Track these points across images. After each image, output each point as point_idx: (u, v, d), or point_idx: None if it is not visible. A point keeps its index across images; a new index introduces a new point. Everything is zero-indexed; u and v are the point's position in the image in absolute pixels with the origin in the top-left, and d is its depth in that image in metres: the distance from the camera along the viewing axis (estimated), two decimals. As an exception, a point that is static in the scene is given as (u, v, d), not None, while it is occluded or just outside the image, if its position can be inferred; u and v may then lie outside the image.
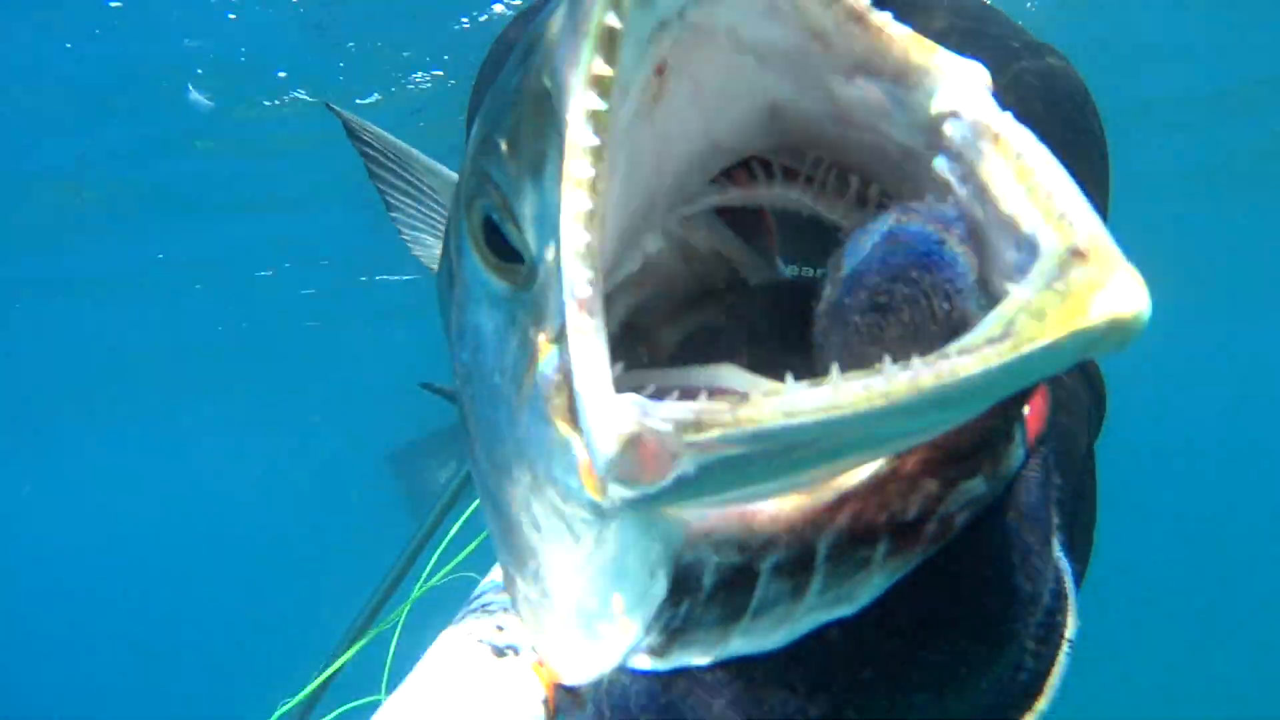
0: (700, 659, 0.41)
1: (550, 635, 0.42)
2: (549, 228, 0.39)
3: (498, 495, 0.46)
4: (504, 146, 0.41)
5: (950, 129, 0.39)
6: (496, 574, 0.59)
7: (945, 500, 0.39)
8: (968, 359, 0.31)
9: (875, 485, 0.38)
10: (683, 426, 0.32)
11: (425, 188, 1.12)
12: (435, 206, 1.12)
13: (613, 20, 0.35)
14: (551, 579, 0.42)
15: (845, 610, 0.39)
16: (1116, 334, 0.30)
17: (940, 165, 0.40)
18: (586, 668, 0.42)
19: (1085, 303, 0.30)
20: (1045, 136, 0.40)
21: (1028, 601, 0.46)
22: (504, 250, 0.43)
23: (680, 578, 0.38)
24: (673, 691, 0.42)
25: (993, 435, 0.40)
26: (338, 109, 1.25)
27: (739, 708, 0.41)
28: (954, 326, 0.37)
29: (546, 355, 0.40)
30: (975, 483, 0.39)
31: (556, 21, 0.39)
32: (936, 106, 0.40)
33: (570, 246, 0.35)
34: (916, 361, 0.32)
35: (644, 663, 0.41)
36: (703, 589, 0.39)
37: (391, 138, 1.17)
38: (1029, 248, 0.35)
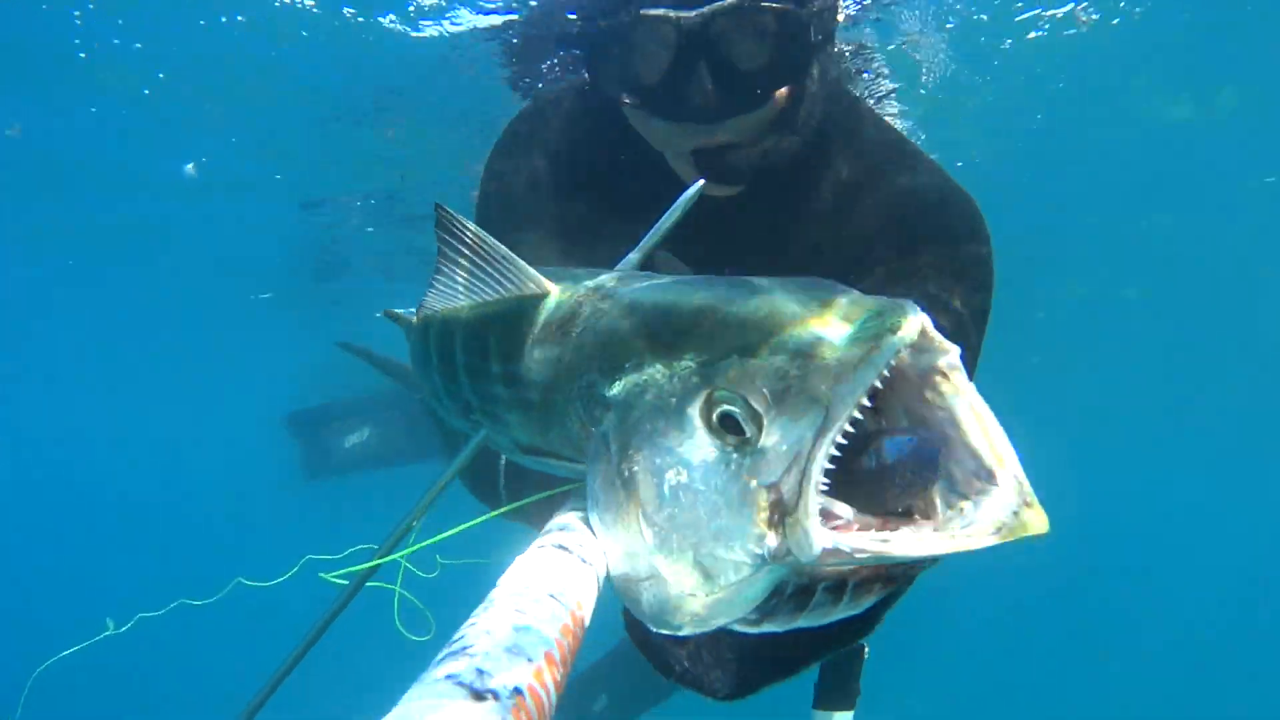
0: (772, 629, 0.76)
1: (694, 615, 0.76)
2: (790, 443, 0.71)
3: (670, 533, 0.76)
4: (769, 392, 0.73)
5: (943, 384, 0.74)
6: (481, 620, 0.58)
7: (905, 577, 0.77)
8: (979, 537, 0.69)
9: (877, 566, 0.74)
10: (855, 549, 0.67)
11: (494, 270, 1.06)
12: (489, 277, 1.06)
13: (882, 373, 0.69)
14: (705, 585, 0.75)
15: (856, 610, 0.76)
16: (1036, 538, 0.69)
17: (931, 398, 0.75)
18: (711, 625, 0.75)
19: (1035, 522, 0.69)
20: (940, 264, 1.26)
21: (865, 632, 1.03)
22: (726, 425, 0.75)
23: (778, 589, 0.74)
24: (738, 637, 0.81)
25: (924, 565, 0.75)
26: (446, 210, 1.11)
27: (773, 640, 0.80)
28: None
29: (758, 484, 0.72)
30: (914, 574, 0.80)
31: (848, 352, 0.71)
32: (939, 364, 0.74)
33: (818, 467, 0.69)
34: (954, 528, 0.70)
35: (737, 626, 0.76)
36: (786, 593, 0.74)
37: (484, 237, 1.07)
38: (986, 473, 0.72)
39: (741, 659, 0.87)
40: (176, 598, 1.56)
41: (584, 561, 0.78)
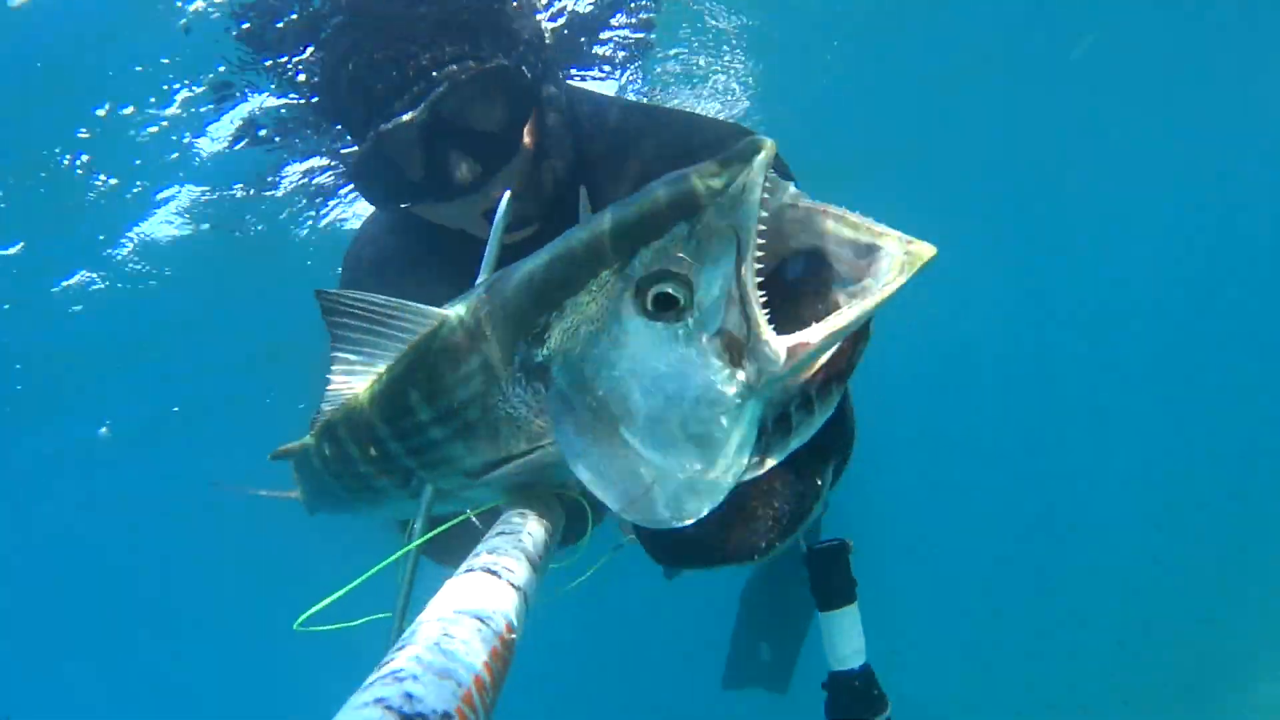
0: (776, 460, 0.83)
1: (705, 492, 0.81)
2: (719, 284, 0.78)
3: (655, 430, 0.81)
4: (686, 255, 0.79)
5: (798, 211, 0.82)
6: (410, 645, 0.58)
7: (856, 356, 0.82)
8: (893, 279, 0.76)
9: (830, 360, 0.80)
10: (806, 340, 0.76)
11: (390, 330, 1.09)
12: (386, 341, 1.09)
13: (763, 209, 0.78)
14: (704, 456, 0.80)
15: (829, 412, 0.83)
16: (933, 261, 0.75)
17: (794, 228, 0.82)
18: (725, 490, 0.81)
19: (925, 250, 0.75)
20: None
21: (849, 433, 1.04)
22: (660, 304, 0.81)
23: (762, 426, 0.80)
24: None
25: (860, 343, 0.82)
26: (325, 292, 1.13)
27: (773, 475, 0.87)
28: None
29: (709, 338, 0.79)
30: (864, 346, 0.82)
31: (730, 198, 0.78)
32: (785, 199, 0.82)
33: (751, 287, 0.76)
34: (871, 284, 0.77)
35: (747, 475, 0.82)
36: (770, 427, 0.81)
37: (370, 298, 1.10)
38: (866, 249, 0.78)
39: (767, 503, 0.91)
40: None
41: (511, 585, 0.78)
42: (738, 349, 0.77)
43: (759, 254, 0.78)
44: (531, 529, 0.95)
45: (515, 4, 1.68)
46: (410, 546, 1.07)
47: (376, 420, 1.14)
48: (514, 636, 0.71)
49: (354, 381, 1.16)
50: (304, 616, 0.94)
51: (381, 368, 1.11)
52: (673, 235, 0.80)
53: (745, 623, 4.33)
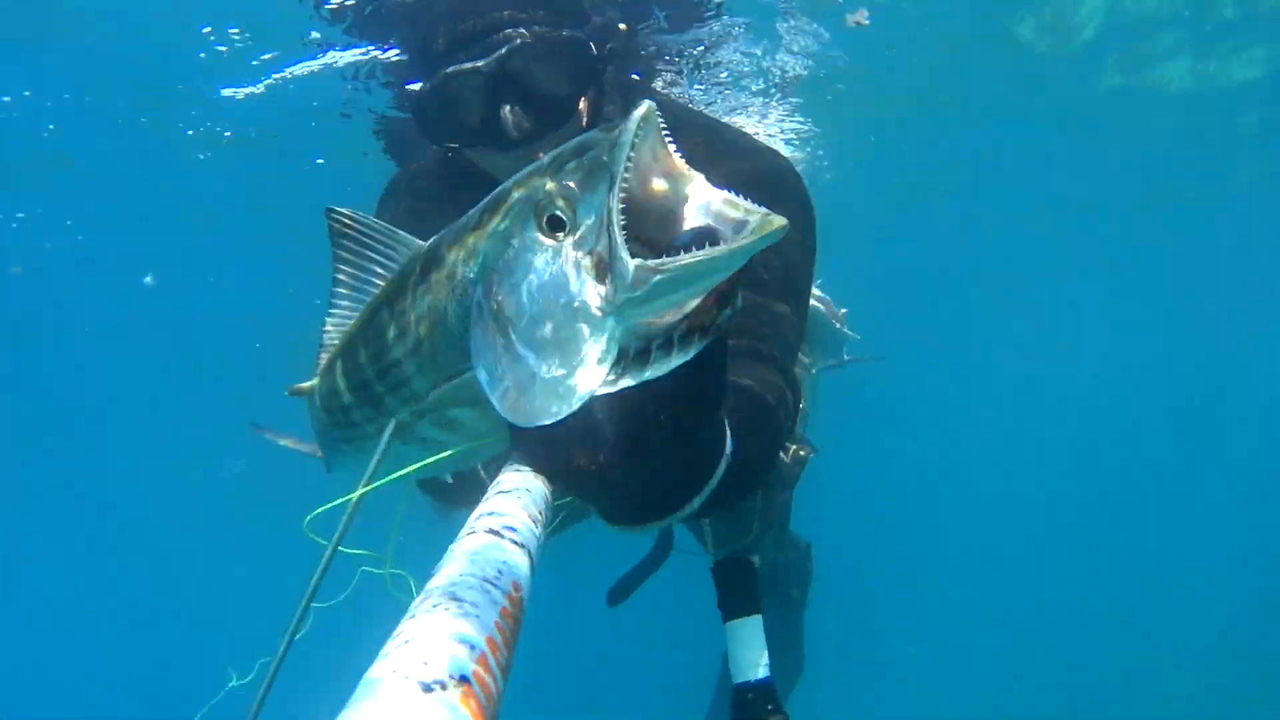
0: (628, 382, 0.88)
1: (565, 393, 0.87)
2: (594, 211, 0.88)
3: (533, 331, 0.90)
4: (573, 184, 0.91)
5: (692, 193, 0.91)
6: (420, 612, 0.58)
7: (719, 316, 0.88)
8: (745, 240, 0.82)
9: (697, 308, 0.86)
10: (660, 265, 0.81)
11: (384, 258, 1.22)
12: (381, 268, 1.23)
13: (629, 158, 0.86)
14: (568, 361, 0.88)
15: (686, 357, 0.88)
16: (781, 230, 0.82)
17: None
18: (582, 395, 0.86)
19: (779, 220, 0.82)
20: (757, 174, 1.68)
21: (723, 387, 1.03)
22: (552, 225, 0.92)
23: (623, 351, 0.86)
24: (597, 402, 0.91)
25: (734, 289, 0.88)
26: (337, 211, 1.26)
27: (628, 397, 0.91)
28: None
29: (584, 255, 0.89)
30: (729, 311, 0.89)
31: (605, 147, 0.89)
32: (688, 190, 0.91)
33: (615, 213, 0.85)
34: (733, 236, 0.84)
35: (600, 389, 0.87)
36: (630, 354, 0.87)
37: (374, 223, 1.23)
38: (742, 225, 0.85)
39: (625, 420, 0.95)
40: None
41: (516, 544, 0.78)
42: (604, 269, 0.87)
43: (624, 216, 0.87)
44: (530, 485, 0.95)
45: None
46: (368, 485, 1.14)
47: (359, 345, 1.23)
48: (521, 594, 0.72)
49: (350, 310, 1.26)
50: (310, 516, 1.06)
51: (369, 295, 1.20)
52: (569, 167, 0.93)
53: (720, 702, 4.16)
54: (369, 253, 1.21)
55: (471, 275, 1.01)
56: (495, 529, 0.79)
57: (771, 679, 1.68)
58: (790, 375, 1.54)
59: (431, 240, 1.15)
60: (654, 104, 0.90)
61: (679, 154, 0.91)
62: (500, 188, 1.04)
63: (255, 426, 2.20)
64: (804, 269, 1.73)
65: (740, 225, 0.86)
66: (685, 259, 0.82)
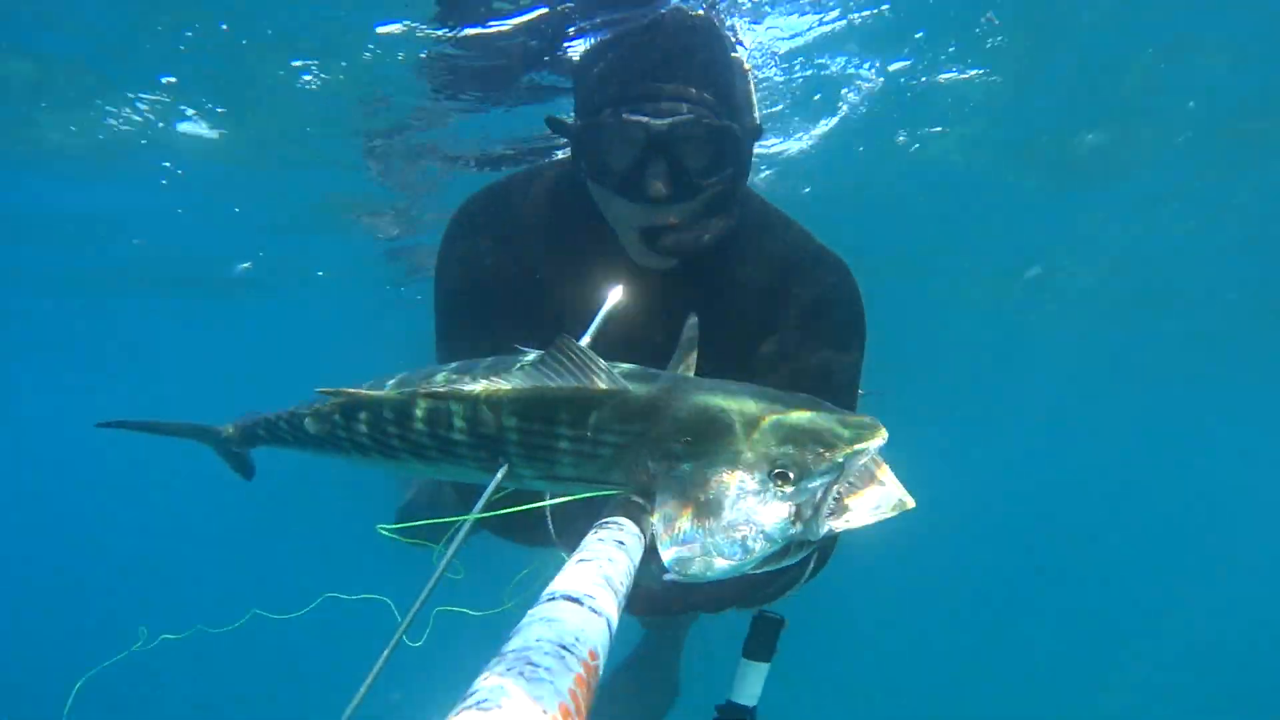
0: (766, 569, 1.29)
1: (723, 572, 1.22)
2: (813, 484, 1.26)
3: (729, 531, 1.22)
4: (813, 465, 1.26)
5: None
6: (495, 674, 0.59)
7: (831, 542, 1.52)
8: (880, 515, 1.28)
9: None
10: (839, 528, 1.28)
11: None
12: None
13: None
14: (742, 556, 1.21)
15: (802, 555, 1.31)
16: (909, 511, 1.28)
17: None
18: (733, 572, 1.23)
19: (909, 502, 1.28)
20: (826, 324, 2.05)
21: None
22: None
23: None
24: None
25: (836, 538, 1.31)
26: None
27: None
28: None
29: (789, 506, 1.25)
30: (836, 538, 1.32)
31: (854, 454, 1.27)
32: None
33: (830, 496, 1.28)
34: (863, 513, 1.28)
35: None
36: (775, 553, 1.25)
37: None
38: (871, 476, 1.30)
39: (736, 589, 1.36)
40: (195, 621, 1.70)
41: (594, 612, 0.78)
42: (800, 519, 1.23)
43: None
44: (613, 556, 0.96)
45: (743, 87, 2.02)
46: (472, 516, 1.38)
47: (508, 413, 1.43)
48: (598, 663, 0.72)
49: (476, 375, 1.53)
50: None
51: (522, 383, 1.41)
52: (813, 450, 1.26)
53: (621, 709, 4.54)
54: (571, 372, 1.37)
55: (679, 454, 1.30)
56: (574, 596, 0.80)
57: (757, 710, 1.95)
58: None
59: (643, 388, 1.38)
60: (886, 432, 1.29)
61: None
62: (736, 407, 1.33)
63: (105, 423, 2.25)
64: (858, 351, 2.07)
65: (879, 487, 1.28)
66: (850, 526, 1.26)
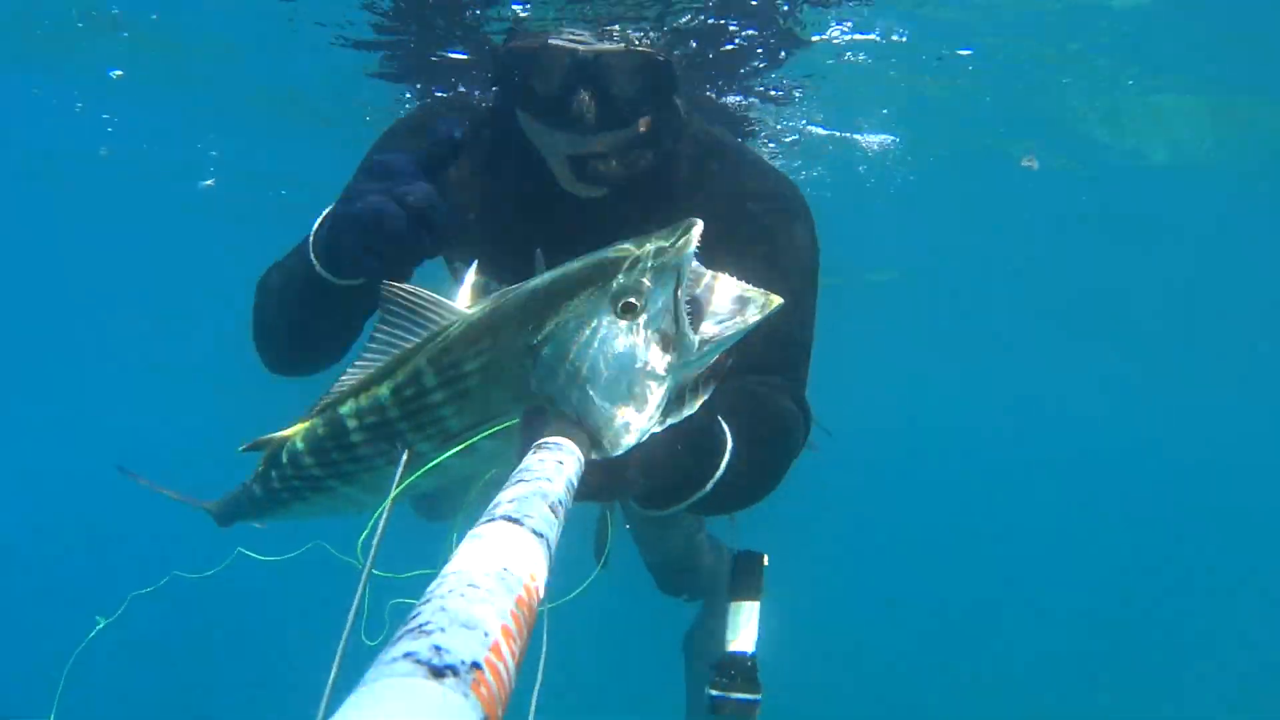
0: (671, 421, 1.23)
1: (634, 431, 1.20)
2: (661, 300, 1.23)
3: (611, 387, 1.20)
4: (647, 280, 1.24)
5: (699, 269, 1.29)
6: (435, 597, 0.58)
7: (724, 367, 1.26)
8: (756, 316, 1.26)
9: (709, 366, 1.25)
10: (710, 338, 1.24)
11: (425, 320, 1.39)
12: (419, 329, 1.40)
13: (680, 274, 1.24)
14: (638, 408, 1.20)
15: (706, 397, 1.26)
16: (779, 307, 1.26)
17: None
18: (644, 433, 1.21)
19: (775, 299, 1.27)
20: (771, 229, 2.00)
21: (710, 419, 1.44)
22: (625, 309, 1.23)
23: (669, 398, 1.22)
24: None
25: (727, 360, 1.25)
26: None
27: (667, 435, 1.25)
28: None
29: (650, 333, 1.22)
30: (729, 362, 1.26)
31: (675, 249, 1.25)
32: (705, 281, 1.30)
33: (681, 304, 1.23)
34: (743, 319, 1.26)
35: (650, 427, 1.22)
36: (670, 400, 1.22)
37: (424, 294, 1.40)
38: (741, 300, 1.27)
39: (661, 448, 1.27)
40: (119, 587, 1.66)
41: (535, 533, 0.78)
42: (669, 342, 1.21)
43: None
44: (551, 474, 0.95)
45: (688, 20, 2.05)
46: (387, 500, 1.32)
47: (383, 389, 1.39)
48: (538, 584, 0.71)
49: (369, 366, 1.42)
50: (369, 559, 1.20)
51: (377, 356, 1.39)
52: (639, 268, 1.24)
53: (692, 674, 4.51)
54: (415, 319, 1.37)
55: (536, 342, 1.27)
56: (514, 516, 0.79)
57: (756, 655, 1.93)
58: (802, 402, 1.90)
59: (480, 307, 1.36)
60: (701, 223, 1.25)
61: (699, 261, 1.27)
62: (561, 273, 1.31)
63: (124, 470, 2.23)
64: (810, 292, 2.01)
65: (740, 300, 1.26)
66: (726, 332, 1.22)
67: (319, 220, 1.79)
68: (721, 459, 1.48)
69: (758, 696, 1.89)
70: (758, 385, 1.80)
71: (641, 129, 1.89)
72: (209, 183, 9.86)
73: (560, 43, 1.77)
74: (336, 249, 1.66)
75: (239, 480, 1.83)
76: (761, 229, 1.98)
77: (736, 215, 1.97)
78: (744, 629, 1.95)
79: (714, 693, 1.92)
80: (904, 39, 4.85)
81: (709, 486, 1.48)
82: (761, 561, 1.95)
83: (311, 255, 1.74)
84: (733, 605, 1.97)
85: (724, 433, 1.49)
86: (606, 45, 1.78)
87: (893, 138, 7.03)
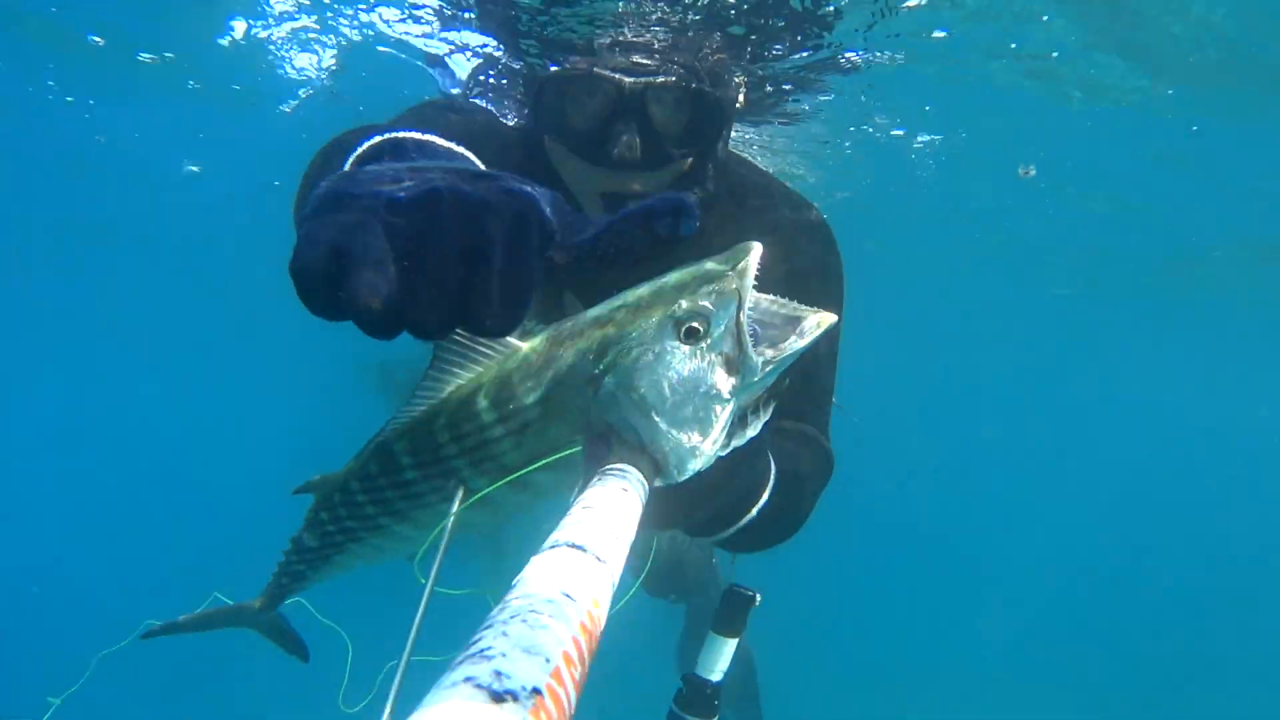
0: (735, 444, 1.23)
1: (700, 455, 1.18)
2: (723, 323, 1.19)
3: (676, 413, 1.17)
4: (709, 304, 1.20)
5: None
6: (497, 623, 0.58)
7: (781, 387, 1.25)
8: (813, 334, 1.23)
9: (772, 387, 1.24)
10: (771, 359, 1.20)
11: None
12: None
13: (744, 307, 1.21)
14: (704, 433, 1.18)
15: (767, 417, 1.26)
16: (833, 325, 1.24)
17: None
18: (710, 458, 1.20)
19: (829, 317, 1.23)
20: (810, 263, 1.91)
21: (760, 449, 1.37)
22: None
23: (734, 421, 1.20)
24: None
25: (784, 380, 1.23)
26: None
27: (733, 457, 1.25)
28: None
29: (714, 356, 1.19)
30: (786, 382, 1.24)
31: (738, 273, 1.22)
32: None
33: (744, 326, 1.20)
34: (798, 337, 1.23)
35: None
36: (734, 423, 1.21)
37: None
38: (793, 319, 1.25)
39: (713, 476, 1.25)
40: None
41: (598, 560, 0.77)
42: (733, 365, 1.19)
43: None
44: (615, 502, 0.95)
45: (723, 58, 1.94)
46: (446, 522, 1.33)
47: (439, 427, 1.37)
48: (601, 610, 0.71)
49: (425, 406, 1.41)
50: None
51: (433, 394, 1.38)
52: (702, 292, 1.21)
53: None
54: (470, 354, 1.36)
55: (598, 371, 1.24)
56: (577, 543, 0.79)
57: (721, 685, 1.92)
58: (829, 455, 1.85)
59: (536, 340, 1.35)
60: (760, 246, 1.23)
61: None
62: (620, 302, 1.29)
63: (153, 634, 2.16)
64: (839, 333, 1.94)
65: (792, 320, 1.24)
66: (785, 352, 1.20)
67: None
68: (765, 490, 1.46)
69: None
70: (791, 426, 1.77)
71: (682, 169, 1.79)
72: (195, 168, 9.55)
73: (606, 73, 1.66)
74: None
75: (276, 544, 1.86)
76: (806, 264, 1.91)
77: (779, 249, 1.96)
78: (717, 661, 1.95)
79: (676, 709, 1.95)
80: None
81: (753, 513, 1.46)
82: (752, 602, 1.93)
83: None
84: (712, 636, 1.95)
85: (770, 463, 1.47)
86: (657, 79, 1.67)
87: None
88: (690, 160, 1.78)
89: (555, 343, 1.31)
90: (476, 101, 4.89)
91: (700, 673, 1.93)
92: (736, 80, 1.97)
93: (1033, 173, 6.72)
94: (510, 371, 1.32)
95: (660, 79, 1.66)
